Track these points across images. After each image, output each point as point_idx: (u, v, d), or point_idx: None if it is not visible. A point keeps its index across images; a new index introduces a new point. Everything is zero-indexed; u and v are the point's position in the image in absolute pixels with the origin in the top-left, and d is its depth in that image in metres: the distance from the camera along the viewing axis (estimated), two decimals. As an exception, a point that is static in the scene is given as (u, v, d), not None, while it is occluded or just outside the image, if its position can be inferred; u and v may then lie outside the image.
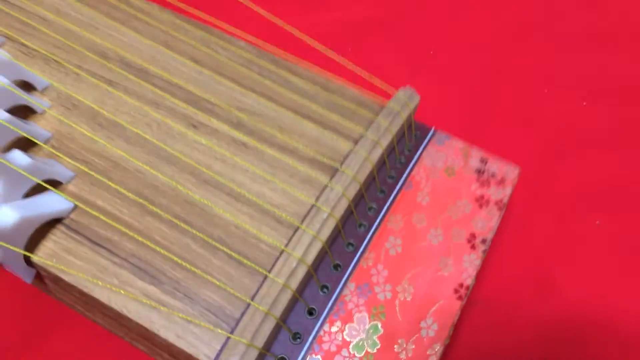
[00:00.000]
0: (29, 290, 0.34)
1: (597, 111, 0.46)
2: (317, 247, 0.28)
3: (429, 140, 0.35)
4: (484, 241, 0.31)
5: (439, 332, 0.28)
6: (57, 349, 0.34)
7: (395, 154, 0.34)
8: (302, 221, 0.29)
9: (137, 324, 0.26)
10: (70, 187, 0.29)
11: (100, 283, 0.27)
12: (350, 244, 0.30)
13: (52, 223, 0.28)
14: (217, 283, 0.27)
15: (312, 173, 0.31)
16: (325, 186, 0.31)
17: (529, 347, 0.36)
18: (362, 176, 0.31)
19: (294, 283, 0.27)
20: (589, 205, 0.42)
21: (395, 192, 0.32)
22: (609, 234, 0.40)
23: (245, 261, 0.28)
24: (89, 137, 0.31)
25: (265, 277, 0.27)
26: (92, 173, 0.30)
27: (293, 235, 0.29)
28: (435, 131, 0.35)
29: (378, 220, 0.31)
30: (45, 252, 0.27)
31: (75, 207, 0.28)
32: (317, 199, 0.30)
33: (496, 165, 0.34)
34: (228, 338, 0.26)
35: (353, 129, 0.34)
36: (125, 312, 0.26)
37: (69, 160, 0.30)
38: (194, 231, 0.29)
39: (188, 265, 0.27)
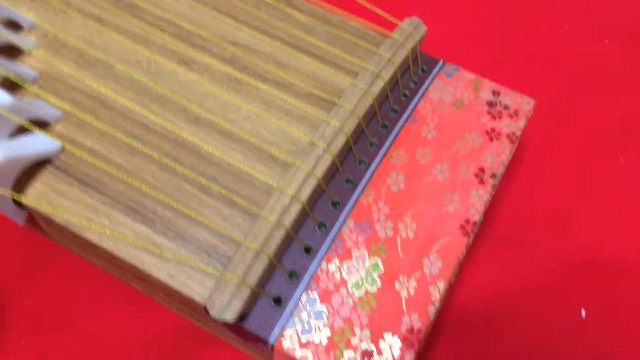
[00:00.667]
0: (22, 230, 0.34)
1: (618, 49, 0.44)
2: (312, 184, 0.27)
3: (436, 73, 0.33)
4: (493, 175, 0.30)
5: (443, 269, 0.27)
6: (50, 288, 0.33)
7: (399, 88, 0.32)
8: (297, 159, 0.28)
9: (130, 265, 0.26)
10: (58, 127, 0.28)
11: (90, 223, 0.26)
12: (349, 180, 0.29)
13: (41, 164, 0.27)
14: (209, 223, 0.26)
15: (309, 109, 0.30)
16: (322, 122, 0.29)
17: (541, 286, 0.34)
18: (362, 110, 0.29)
19: (288, 220, 0.26)
20: (610, 143, 0.39)
21: (398, 126, 0.31)
22: (632, 172, 0.38)
23: (237, 199, 0.27)
24: (76, 75, 0.30)
25: (258, 215, 0.26)
26: (80, 112, 0.29)
27: (287, 173, 0.27)
28: (444, 63, 0.33)
29: (379, 156, 0.29)
30: (34, 194, 0.27)
31: (63, 147, 0.28)
32: (313, 134, 0.29)
33: (509, 97, 0.32)
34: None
35: (354, 62, 0.32)
36: (116, 252, 0.26)
37: (57, 100, 0.29)
38: (185, 170, 0.27)
39: (179, 205, 0.27)
